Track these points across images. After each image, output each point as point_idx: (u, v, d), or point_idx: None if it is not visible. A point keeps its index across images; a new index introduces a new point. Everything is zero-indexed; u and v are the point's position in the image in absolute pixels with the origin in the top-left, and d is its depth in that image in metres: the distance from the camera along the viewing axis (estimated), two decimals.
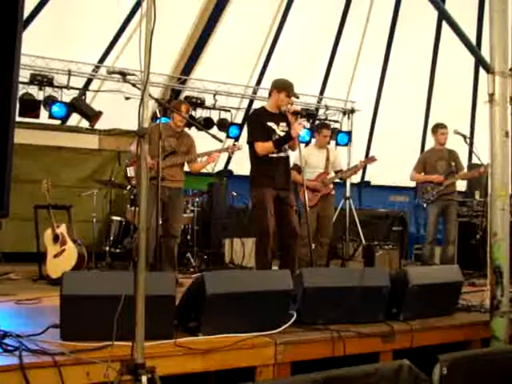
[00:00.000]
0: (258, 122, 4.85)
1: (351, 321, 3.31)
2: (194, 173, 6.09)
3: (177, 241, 5.60)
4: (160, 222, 4.71)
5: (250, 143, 4.83)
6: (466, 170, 7.14)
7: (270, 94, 4.95)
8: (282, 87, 4.80)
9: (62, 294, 2.70)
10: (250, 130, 4.90)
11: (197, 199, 7.52)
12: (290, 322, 3.16)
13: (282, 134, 4.80)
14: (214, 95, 8.24)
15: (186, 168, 5.80)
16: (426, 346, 3.39)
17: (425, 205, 6.71)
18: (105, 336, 2.49)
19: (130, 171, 5.72)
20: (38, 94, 7.13)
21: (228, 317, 2.98)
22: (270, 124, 4.82)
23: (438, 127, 6.75)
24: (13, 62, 2.40)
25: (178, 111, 5.49)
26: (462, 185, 8.44)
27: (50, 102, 7.10)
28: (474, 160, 7.44)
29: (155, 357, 2.52)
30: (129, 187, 6.36)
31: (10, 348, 2.48)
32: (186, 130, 6.04)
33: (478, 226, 7.01)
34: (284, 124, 4.85)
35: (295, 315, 3.22)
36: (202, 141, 6.01)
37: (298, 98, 5.04)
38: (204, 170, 6.19)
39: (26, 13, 6.47)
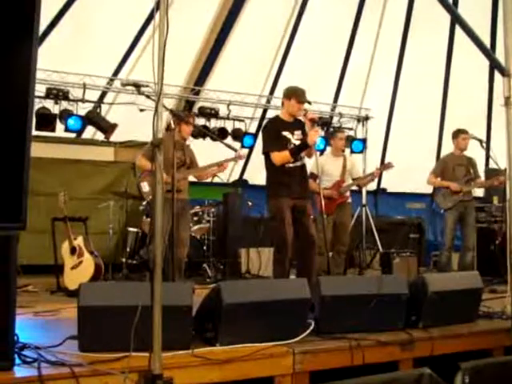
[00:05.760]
0: (272, 132, 4.84)
1: (370, 329, 3.27)
2: (200, 180, 6.06)
3: (187, 249, 5.60)
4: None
5: (266, 153, 4.82)
6: (483, 177, 7.04)
7: (282, 103, 4.96)
8: (292, 94, 4.80)
9: (80, 305, 2.70)
10: (265, 140, 4.88)
11: (212, 209, 7.51)
12: (308, 331, 3.13)
13: (297, 142, 4.78)
14: (228, 105, 8.27)
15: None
16: (447, 353, 3.33)
17: (442, 211, 6.65)
18: (122, 347, 2.49)
19: (145, 186, 5.55)
20: (54, 108, 7.22)
21: (245, 326, 2.96)
22: (284, 133, 4.80)
23: (460, 132, 6.63)
24: (29, 76, 2.43)
25: (189, 123, 5.51)
26: (479, 190, 8.34)
27: (65, 115, 7.18)
28: (491, 165, 7.36)
29: (173, 367, 2.50)
30: (145, 202, 6.36)
31: (28, 359, 2.49)
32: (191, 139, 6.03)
33: (497, 231, 6.92)
34: (299, 132, 4.84)
35: (313, 324, 3.19)
36: (217, 151, 6.02)
37: (310, 103, 5.01)
38: (219, 180, 6.18)
39: (41, 28, 6.55)
